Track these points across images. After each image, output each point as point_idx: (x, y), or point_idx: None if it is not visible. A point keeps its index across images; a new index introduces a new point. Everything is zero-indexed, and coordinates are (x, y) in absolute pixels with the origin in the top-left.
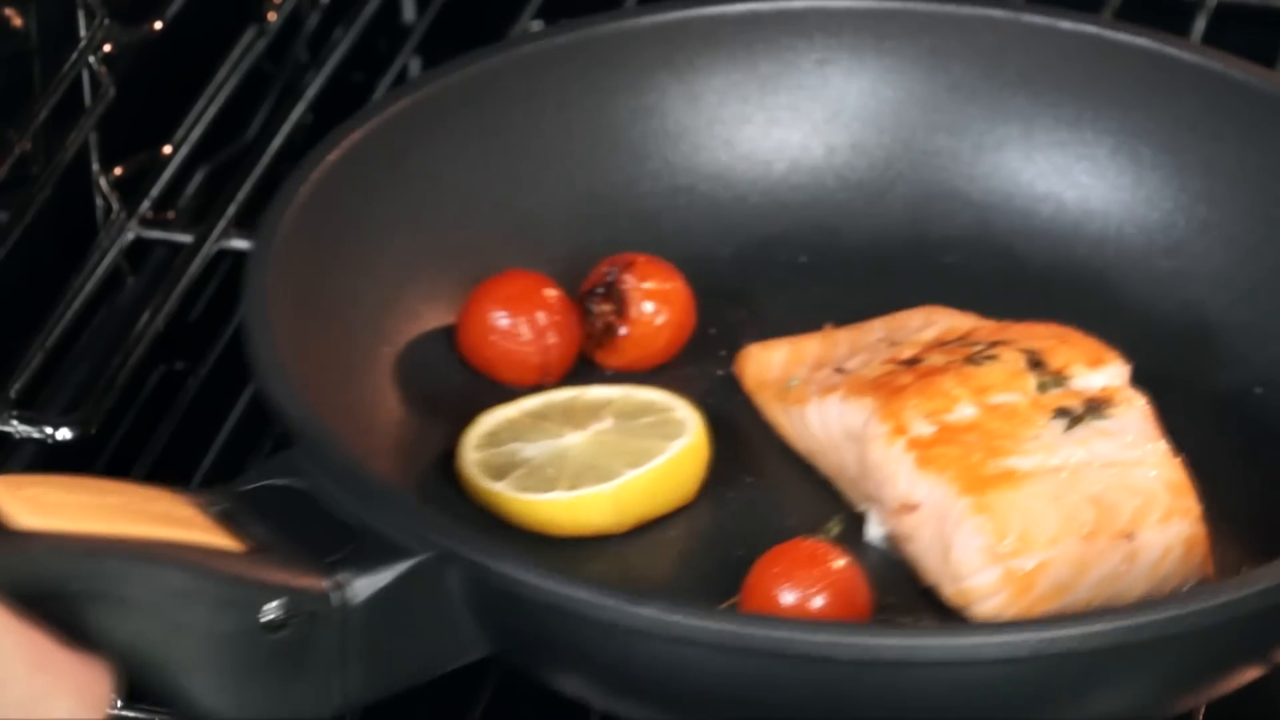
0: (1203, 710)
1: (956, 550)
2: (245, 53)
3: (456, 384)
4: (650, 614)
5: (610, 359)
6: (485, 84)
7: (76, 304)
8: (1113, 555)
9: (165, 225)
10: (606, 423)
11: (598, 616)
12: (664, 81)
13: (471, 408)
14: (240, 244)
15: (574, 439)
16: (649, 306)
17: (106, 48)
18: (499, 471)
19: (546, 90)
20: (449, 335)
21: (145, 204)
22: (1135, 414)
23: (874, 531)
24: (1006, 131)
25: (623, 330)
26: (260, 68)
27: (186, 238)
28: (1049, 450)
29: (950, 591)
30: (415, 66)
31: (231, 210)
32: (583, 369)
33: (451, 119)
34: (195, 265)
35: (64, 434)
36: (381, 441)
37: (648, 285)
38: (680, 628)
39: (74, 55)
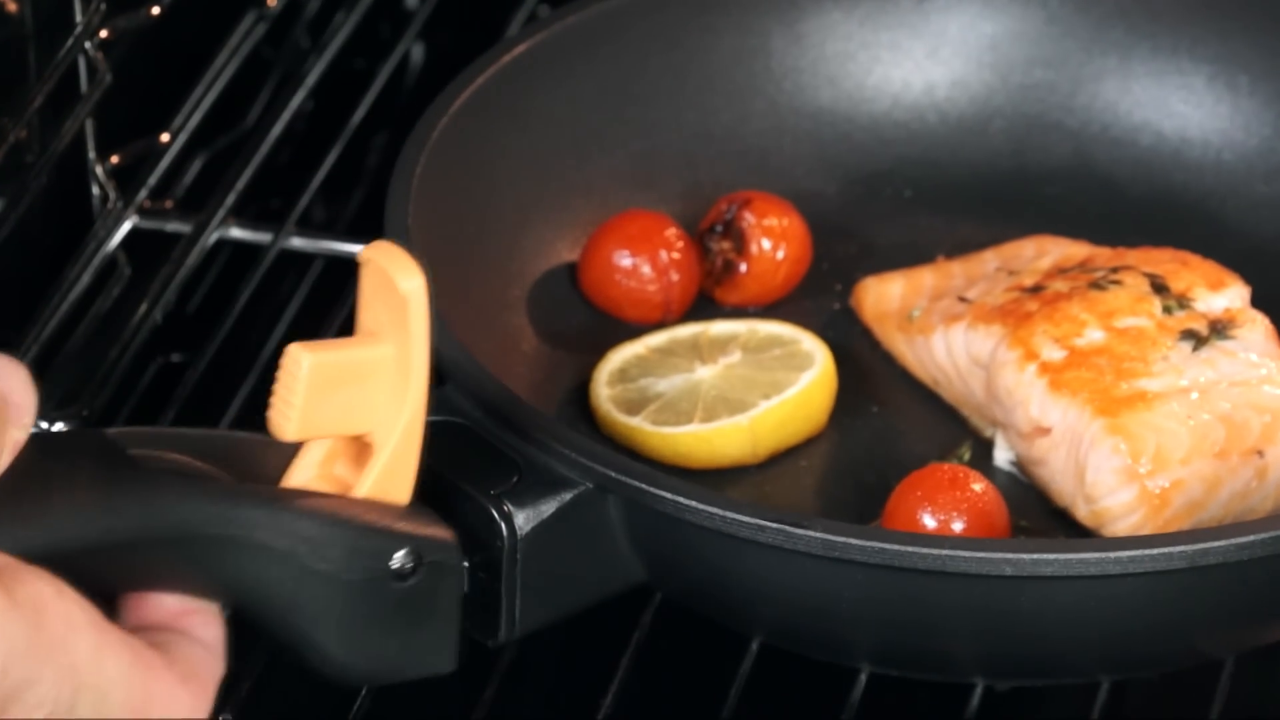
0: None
1: (1091, 471)
2: (244, 38)
3: (580, 322)
4: (815, 535)
5: (729, 295)
6: (598, 28)
7: (72, 295)
8: (1243, 472)
9: (163, 214)
10: (735, 356)
11: (762, 540)
12: (768, 23)
13: (596, 345)
14: (239, 233)
15: (704, 373)
16: (767, 243)
17: (103, 33)
18: (633, 407)
19: (656, 33)
20: (569, 274)
21: (142, 193)
22: (1259, 333)
23: (1002, 456)
24: (1104, 63)
25: (742, 267)
26: (259, 53)
27: (184, 227)
28: (1177, 371)
29: (1085, 513)
30: (417, 52)
31: (230, 199)
32: (702, 305)
33: (566, 63)
34: (193, 255)
35: (60, 427)
36: (518, 380)
37: (766, 222)
38: (844, 548)
39: (70, 41)
